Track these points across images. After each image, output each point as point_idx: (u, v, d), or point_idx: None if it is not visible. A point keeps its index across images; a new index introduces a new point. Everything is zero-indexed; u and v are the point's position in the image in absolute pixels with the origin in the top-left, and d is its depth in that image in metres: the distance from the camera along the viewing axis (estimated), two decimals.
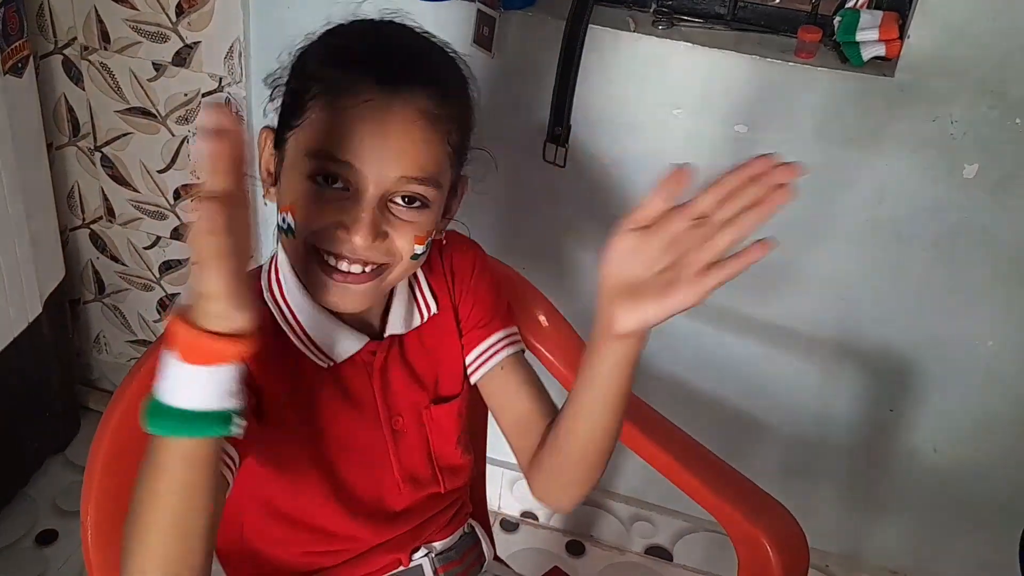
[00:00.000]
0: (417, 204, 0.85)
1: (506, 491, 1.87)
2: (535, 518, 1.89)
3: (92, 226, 1.82)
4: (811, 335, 1.55)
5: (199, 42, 1.56)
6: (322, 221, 0.83)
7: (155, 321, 1.90)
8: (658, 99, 1.41)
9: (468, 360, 1.02)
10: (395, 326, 0.95)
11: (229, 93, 1.59)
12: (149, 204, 1.75)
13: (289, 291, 0.90)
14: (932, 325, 1.49)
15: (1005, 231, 1.38)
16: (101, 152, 1.72)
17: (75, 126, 1.71)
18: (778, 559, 1.04)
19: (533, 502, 1.86)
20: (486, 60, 1.41)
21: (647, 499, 1.80)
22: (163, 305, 1.88)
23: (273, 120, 0.90)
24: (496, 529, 1.87)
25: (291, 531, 0.94)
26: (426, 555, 1.02)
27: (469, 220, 1.60)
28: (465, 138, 0.91)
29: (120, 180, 1.74)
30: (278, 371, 0.88)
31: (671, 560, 1.84)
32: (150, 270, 1.84)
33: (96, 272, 1.88)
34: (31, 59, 1.55)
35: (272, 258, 0.93)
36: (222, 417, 0.66)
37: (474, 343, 1.01)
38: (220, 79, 1.59)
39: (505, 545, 1.83)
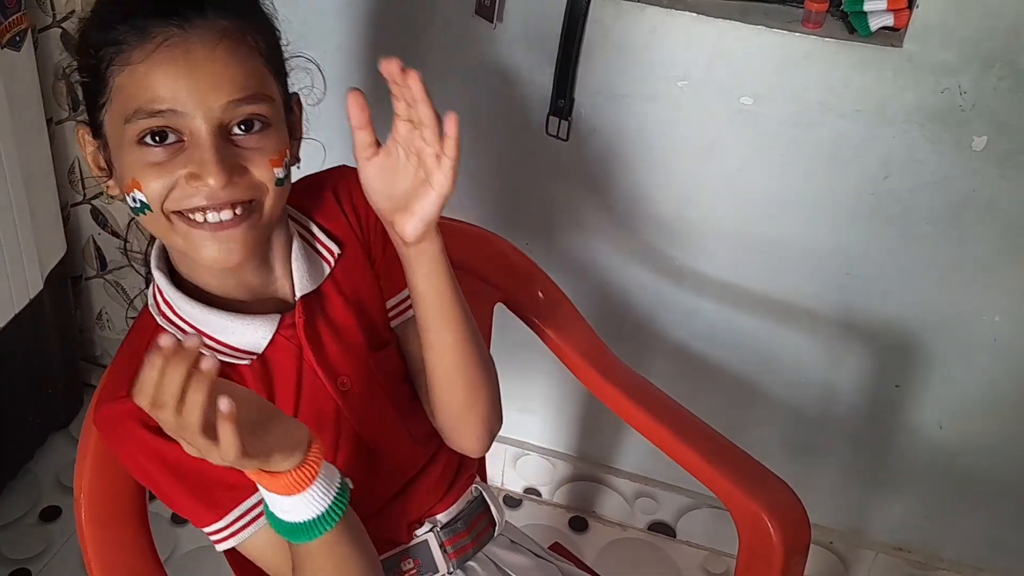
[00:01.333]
0: (258, 127, 0.81)
1: (509, 467, 1.86)
2: (538, 494, 1.89)
3: (93, 202, 1.81)
4: (815, 310, 1.53)
5: None
6: (170, 179, 0.79)
7: None
8: (663, 71, 1.39)
9: (389, 305, 0.98)
10: (302, 285, 0.90)
11: None
12: None
13: (179, 307, 0.86)
14: (938, 300, 1.47)
15: (1013, 204, 1.36)
16: None
17: (74, 100, 1.70)
18: (779, 535, 1.03)
19: (536, 478, 1.86)
20: (488, 31, 1.40)
21: (650, 475, 1.80)
22: (148, 282, 1.86)
23: (84, 115, 0.85)
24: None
25: None
26: (430, 529, 1.00)
27: (469, 193, 1.60)
28: (274, 47, 0.86)
29: None
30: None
31: (674, 536, 1.84)
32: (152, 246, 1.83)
33: (98, 248, 1.87)
34: (29, 32, 1.53)
35: (151, 285, 0.89)
36: (340, 499, 0.77)
37: (396, 288, 0.97)
38: None
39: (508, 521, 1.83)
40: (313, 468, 0.74)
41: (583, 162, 1.49)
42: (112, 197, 0.86)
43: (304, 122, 0.92)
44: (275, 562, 0.87)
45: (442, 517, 1.01)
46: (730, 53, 1.35)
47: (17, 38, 1.50)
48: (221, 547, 0.87)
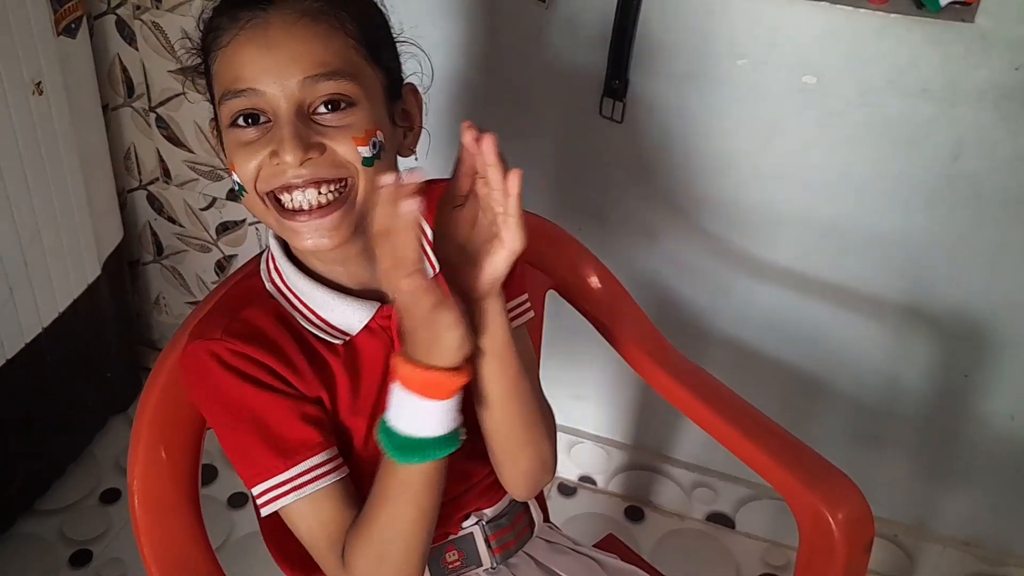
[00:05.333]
0: (342, 105, 0.81)
1: (563, 455, 1.84)
2: (593, 483, 1.86)
3: (149, 187, 1.83)
4: (881, 297, 1.48)
5: None
6: (257, 159, 0.80)
7: (212, 282, 1.91)
8: (721, 49, 1.35)
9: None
10: None
11: None
12: (204, 165, 1.75)
13: (288, 277, 0.88)
14: (1009, 287, 1.41)
15: None
16: (156, 113, 1.72)
17: (129, 87, 1.71)
18: (841, 531, 0.99)
19: (591, 466, 1.84)
20: (540, 12, 1.37)
21: (708, 465, 1.76)
22: (220, 266, 1.88)
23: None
24: (554, 493, 1.85)
25: None
26: (476, 523, 0.99)
27: (524, 177, 1.57)
28: (368, 28, 0.86)
29: (175, 141, 1.74)
30: (305, 364, 0.86)
31: (733, 528, 1.80)
32: (207, 231, 1.84)
33: (154, 233, 1.89)
34: (84, 20, 1.54)
35: (266, 250, 0.91)
36: (456, 433, 0.78)
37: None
38: None
39: (563, 509, 1.81)
40: (465, 377, 0.76)
41: (638, 144, 1.46)
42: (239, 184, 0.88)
43: (424, 114, 0.92)
44: (313, 532, 0.85)
45: (489, 512, 1.00)
46: (792, 30, 1.31)
47: (72, 25, 1.51)
48: (270, 508, 0.84)
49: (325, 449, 0.84)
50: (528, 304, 0.99)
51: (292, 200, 0.81)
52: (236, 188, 0.84)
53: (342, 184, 0.82)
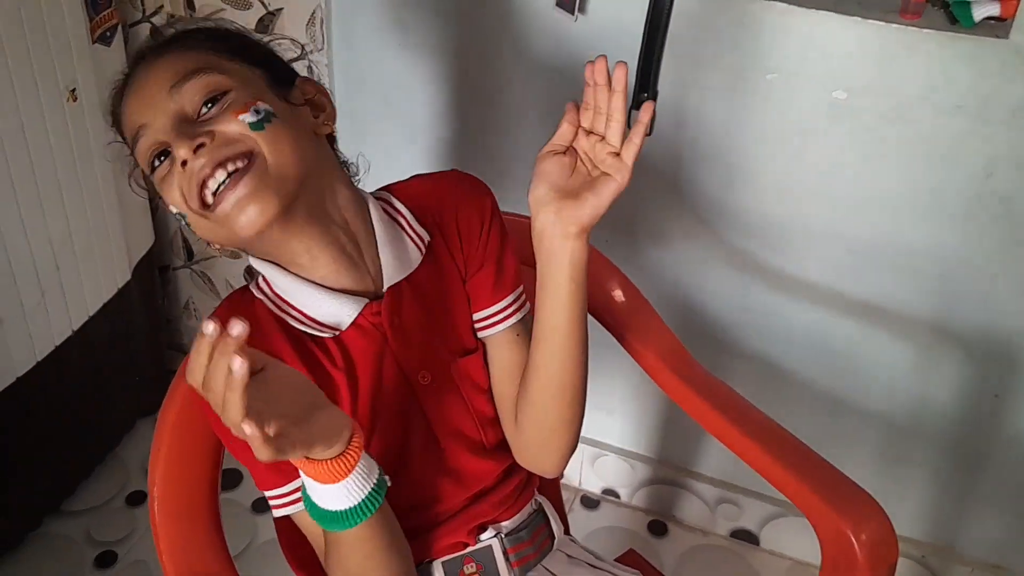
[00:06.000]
0: (218, 98, 0.83)
1: (587, 467, 1.84)
2: (617, 496, 1.85)
3: None
4: (910, 315, 1.46)
5: (281, 8, 1.55)
6: (174, 179, 0.82)
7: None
8: (751, 63, 1.34)
9: (476, 317, 0.97)
10: (391, 273, 0.91)
11: (311, 60, 1.58)
12: None
13: (273, 279, 0.89)
14: None
15: None
16: None
17: None
18: (864, 552, 0.97)
19: (615, 479, 1.83)
20: (569, 23, 1.37)
21: (733, 481, 1.75)
22: (249, 272, 1.89)
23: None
24: (576, 505, 1.84)
25: None
26: (495, 535, 0.99)
27: None
28: (220, 39, 0.89)
29: None
30: (304, 360, 0.88)
31: (757, 544, 1.78)
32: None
33: (185, 239, 1.90)
34: (119, 28, 1.56)
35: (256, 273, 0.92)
36: (376, 492, 0.80)
37: (485, 303, 0.97)
38: (303, 46, 1.58)
39: (585, 522, 1.81)
40: (351, 459, 0.77)
41: (666, 157, 1.45)
42: (220, 251, 0.93)
43: (333, 97, 0.94)
44: (316, 539, 0.90)
45: (507, 524, 1.00)
46: (823, 45, 1.30)
47: (108, 34, 1.53)
48: (278, 513, 0.90)
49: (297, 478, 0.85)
50: (524, 298, 0.99)
51: (210, 192, 0.81)
52: (179, 219, 0.85)
53: (245, 156, 0.82)
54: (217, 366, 0.67)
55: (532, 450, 0.98)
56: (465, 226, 0.96)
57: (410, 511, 0.93)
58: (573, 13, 1.34)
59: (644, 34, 1.33)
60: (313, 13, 1.54)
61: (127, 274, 1.71)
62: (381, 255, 0.91)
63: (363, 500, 0.79)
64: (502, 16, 1.44)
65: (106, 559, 1.68)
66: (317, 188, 0.87)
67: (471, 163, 1.60)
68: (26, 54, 1.36)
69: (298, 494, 0.86)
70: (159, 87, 0.83)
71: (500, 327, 0.97)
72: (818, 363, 1.56)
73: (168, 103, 0.83)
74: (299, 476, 0.84)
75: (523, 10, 1.42)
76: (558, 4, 1.36)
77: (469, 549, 0.98)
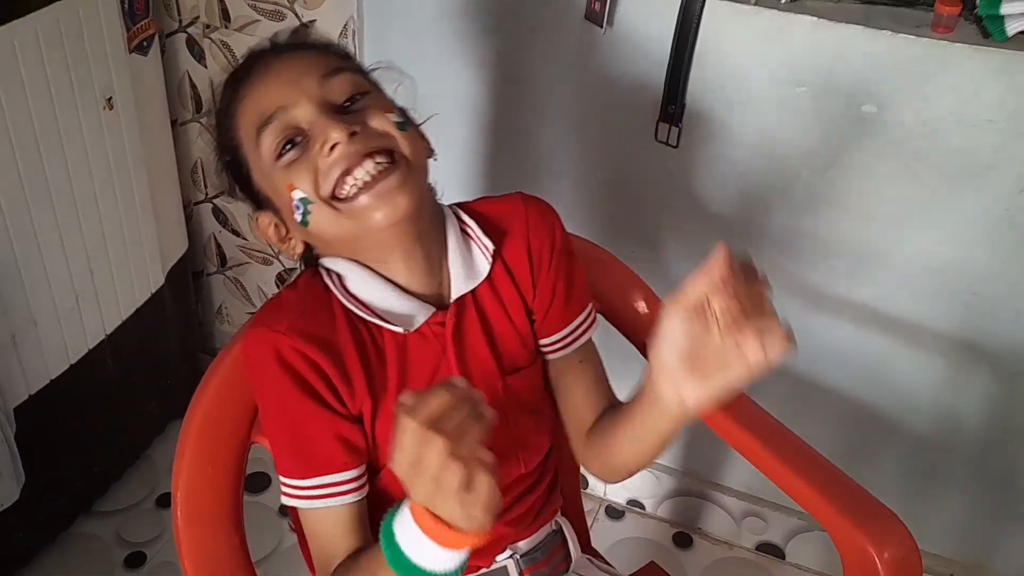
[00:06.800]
0: (357, 96, 0.86)
1: None
2: (641, 507, 1.85)
3: (215, 201, 1.87)
4: (939, 331, 1.45)
5: (314, 20, 1.57)
6: (310, 166, 0.83)
7: (272, 294, 1.94)
8: (780, 76, 1.34)
9: (547, 340, 0.98)
10: (459, 284, 0.92)
11: None
12: None
13: (349, 278, 0.90)
14: None
15: None
16: None
17: (198, 103, 1.75)
18: (886, 570, 0.96)
19: (640, 490, 1.83)
20: (597, 35, 1.37)
21: (759, 495, 1.74)
22: (281, 279, 1.92)
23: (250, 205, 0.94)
24: (601, 516, 1.84)
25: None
26: (510, 556, 0.98)
27: (576, 199, 1.58)
28: (350, 59, 0.93)
29: None
30: (357, 369, 0.87)
31: (783, 558, 1.77)
32: (269, 244, 1.87)
33: (218, 245, 1.93)
34: (156, 37, 1.59)
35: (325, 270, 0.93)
36: (457, 572, 0.72)
37: (556, 326, 0.98)
38: None
39: (610, 533, 1.80)
40: (484, 540, 0.70)
41: (693, 170, 1.45)
42: (299, 257, 0.93)
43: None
44: (321, 543, 0.89)
45: (523, 545, 1.00)
46: (853, 58, 1.29)
47: (145, 43, 1.55)
48: (288, 501, 0.88)
49: (347, 469, 0.86)
50: (593, 315, 1.01)
51: (355, 180, 0.83)
52: (300, 207, 0.84)
53: (389, 154, 0.85)
54: (434, 443, 0.64)
55: (602, 472, 1.03)
56: (536, 253, 0.96)
57: None
58: (602, 25, 1.34)
59: (672, 46, 1.33)
60: (346, 24, 1.56)
61: (160, 279, 1.73)
62: (451, 266, 0.92)
63: (455, 569, 0.72)
64: (531, 27, 1.44)
65: (136, 560, 1.70)
66: (427, 195, 0.90)
67: (503, 173, 1.61)
68: (64, 63, 1.38)
69: (318, 491, 0.86)
70: (306, 74, 0.85)
71: (570, 348, 0.99)
72: (846, 378, 1.55)
73: (316, 89, 0.85)
74: (323, 475, 0.85)
75: (553, 22, 1.42)
76: (587, 16, 1.36)
77: (483, 571, 0.98)
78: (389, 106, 0.88)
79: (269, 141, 0.85)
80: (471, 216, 0.95)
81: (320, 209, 0.84)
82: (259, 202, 0.91)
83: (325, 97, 0.85)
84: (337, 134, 0.82)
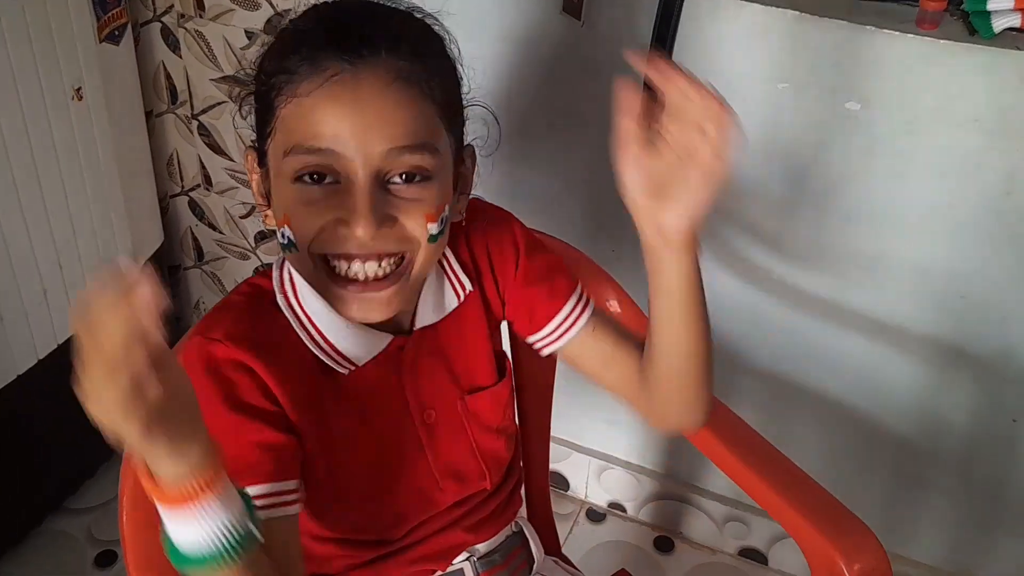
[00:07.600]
0: (418, 179, 0.77)
1: (593, 480, 1.80)
2: (623, 510, 1.82)
3: (191, 193, 1.84)
4: (924, 335, 1.41)
5: (289, 9, 1.53)
6: (319, 221, 0.76)
7: None
8: (762, 72, 1.30)
9: (541, 334, 0.94)
10: (425, 317, 0.89)
11: None
12: (243, 173, 1.75)
13: (303, 296, 0.84)
14: None
15: None
16: (198, 120, 1.73)
17: (173, 94, 1.73)
18: None
19: (621, 493, 1.80)
20: (576, 29, 1.34)
21: (741, 499, 1.71)
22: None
23: (255, 142, 0.84)
24: (582, 518, 1.81)
25: (329, 545, 0.89)
26: (467, 559, 0.96)
27: (555, 197, 1.55)
28: (452, 95, 0.83)
29: (216, 149, 1.75)
30: (300, 384, 0.82)
31: (766, 564, 1.74)
32: (246, 239, 1.85)
33: (195, 239, 1.90)
34: (129, 27, 1.56)
35: (282, 259, 0.87)
36: (244, 531, 0.64)
37: (544, 319, 0.94)
38: None
39: (590, 536, 1.78)
40: (198, 488, 0.62)
41: None
42: (269, 228, 0.84)
43: (476, 176, 0.89)
44: (275, 556, 0.74)
45: (481, 548, 0.97)
46: (836, 55, 1.26)
47: (116, 32, 1.52)
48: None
49: (273, 481, 0.79)
50: (586, 295, 0.95)
51: (349, 269, 0.78)
52: (285, 243, 0.79)
53: (401, 258, 0.79)
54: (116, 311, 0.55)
55: (673, 411, 0.94)
56: (498, 260, 0.93)
57: (384, 542, 0.91)
58: (580, 18, 1.31)
59: (652, 41, 1.30)
60: None
61: None
62: (420, 303, 0.88)
63: (221, 548, 0.64)
64: (508, 22, 1.41)
65: (107, 558, 1.67)
66: (418, 289, 0.86)
67: (480, 172, 1.57)
68: (30, 52, 1.35)
69: (266, 500, 0.79)
70: (381, 132, 0.74)
71: (571, 333, 0.94)
72: (831, 382, 1.52)
73: (377, 157, 0.75)
74: (244, 485, 0.75)
75: (528, 14, 1.39)
76: (564, 8, 1.33)
77: (439, 574, 0.95)
78: (439, 207, 0.78)
79: (298, 164, 0.76)
80: (451, 251, 0.91)
81: (302, 258, 0.79)
82: (261, 155, 0.82)
83: (384, 170, 0.75)
84: (362, 231, 0.74)
